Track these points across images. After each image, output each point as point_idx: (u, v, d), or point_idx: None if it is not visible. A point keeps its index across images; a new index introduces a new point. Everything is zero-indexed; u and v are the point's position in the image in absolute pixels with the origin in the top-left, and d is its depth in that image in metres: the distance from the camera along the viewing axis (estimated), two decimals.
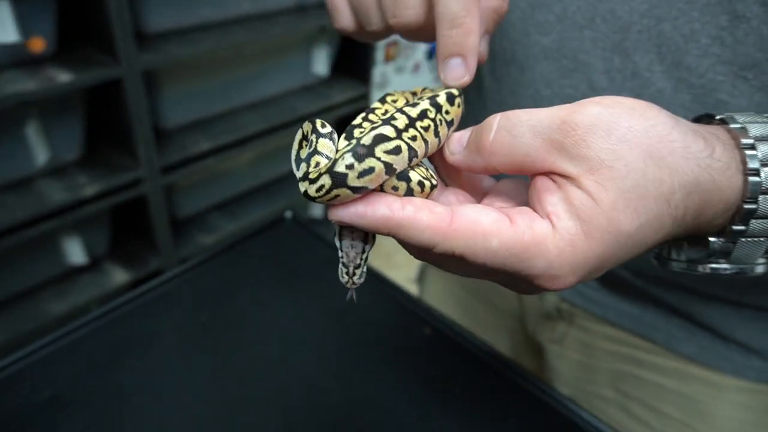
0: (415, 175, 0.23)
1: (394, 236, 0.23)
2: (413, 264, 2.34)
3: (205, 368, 0.45)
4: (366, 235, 0.25)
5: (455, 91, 0.28)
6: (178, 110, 1.09)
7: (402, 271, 1.99)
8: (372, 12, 0.30)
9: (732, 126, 0.24)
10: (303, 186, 0.22)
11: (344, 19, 0.32)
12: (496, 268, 0.22)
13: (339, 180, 0.21)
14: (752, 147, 0.23)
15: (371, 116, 0.27)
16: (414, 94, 0.31)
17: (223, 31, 1.06)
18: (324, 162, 0.23)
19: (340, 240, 0.25)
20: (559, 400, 0.45)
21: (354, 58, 1.40)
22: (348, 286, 0.25)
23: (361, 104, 1.42)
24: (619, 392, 0.49)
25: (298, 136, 0.26)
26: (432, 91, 0.29)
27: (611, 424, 0.49)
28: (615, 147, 0.22)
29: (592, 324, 0.49)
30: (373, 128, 0.22)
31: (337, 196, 0.22)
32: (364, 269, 0.25)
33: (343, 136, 0.25)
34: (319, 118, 0.25)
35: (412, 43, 1.85)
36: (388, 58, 1.82)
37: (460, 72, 0.27)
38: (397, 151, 0.22)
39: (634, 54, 0.34)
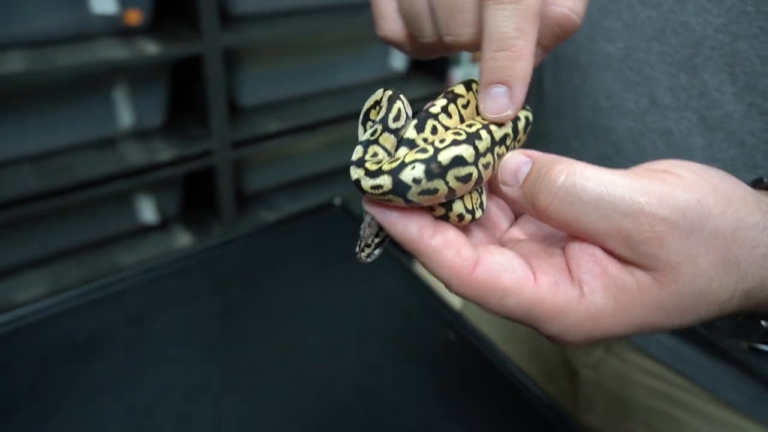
0: (458, 206, 0.22)
1: (414, 257, 0.22)
2: None
3: (228, 332, 0.48)
4: (376, 226, 0.24)
5: (531, 116, 0.25)
6: (254, 90, 1.14)
7: None
8: (425, 22, 0.26)
9: None
10: (356, 173, 0.21)
11: (391, 25, 0.28)
12: (511, 319, 0.21)
13: (400, 189, 0.20)
14: None
15: (451, 108, 0.24)
16: None
17: (305, 18, 1.10)
18: (382, 155, 0.21)
19: (364, 213, 0.24)
20: (574, 426, 0.43)
21: None
22: (357, 257, 0.25)
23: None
24: (651, 430, 0.46)
25: (371, 101, 0.24)
26: None
27: None
28: (691, 251, 0.19)
29: (630, 354, 0.46)
30: (454, 142, 0.21)
31: (389, 200, 0.20)
32: (375, 252, 0.25)
33: (414, 122, 0.22)
34: (399, 97, 0.23)
35: None
36: (476, 60, 1.79)
37: (503, 104, 0.23)
38: (467, 178, 0.21)
39: (704, 72, 0.32)
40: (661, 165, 0.21)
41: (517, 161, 0.23)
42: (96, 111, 0.96)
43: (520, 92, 0.23)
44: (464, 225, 0.22)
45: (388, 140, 0.22)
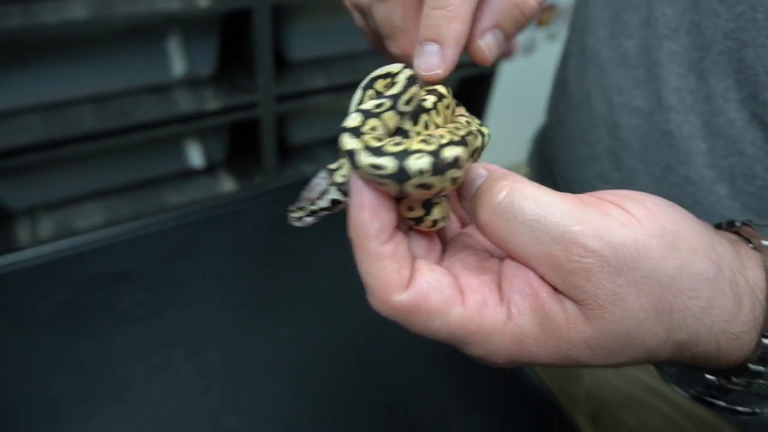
0: (437, 212, 0.21)
1: (351, 239, 0.21)
2: None
3: (246, 279, 0.51)
4: (323, 193, 0.23)
5: (486, 129, 0.24)
6: (302, 45, 1.16)
7: None
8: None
9: (764, 242, 0.21)
10: (352, 143, 0.19)
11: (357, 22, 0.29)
12: (436, 339, 0.21)
13: (400, 175, 0.18)
14: None
15: (440, 106, 0.23)
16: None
17: None
18: (381, 133, 0.20)
19: (315, 176, 0.24)
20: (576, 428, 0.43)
21: None
22: (287, 216, 0.24)
23: (488, 69, 1.40)
24: (637, 418, 0.47)
25: (383, 70, 0.23)
26: (458, 108, 0.26)
27: None
28: (621, 290, 0.18)
29: None
30: (454, 142, 0.19)
31: (383, 184, 0.19)
32: (307, 219, 0.24)
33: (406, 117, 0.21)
34: (417, 83, 0.22)
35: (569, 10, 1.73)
36: (541, 23, 1.66)
37: (433, 62, 0.23)
38: (456, 181, 0.19)
39: (711, 76, 0.32)
40: (614, 195, 0.20)
41: (475, 173, 0.22)
42: (151, 59, 1.01)
43: (452, 51, 0.23)
44: (429, 231, 0.22)
45: (391, 120, 0.21)
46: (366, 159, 0.18)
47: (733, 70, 0.31)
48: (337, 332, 0.49)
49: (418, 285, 0.20)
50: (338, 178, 0.23)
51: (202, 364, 0.45)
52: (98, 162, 1.10)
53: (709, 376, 0.22)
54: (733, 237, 0.23)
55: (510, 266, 0.21)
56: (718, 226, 0.24)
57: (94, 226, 1.11)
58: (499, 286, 0.21)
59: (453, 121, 0.23)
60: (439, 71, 0.23)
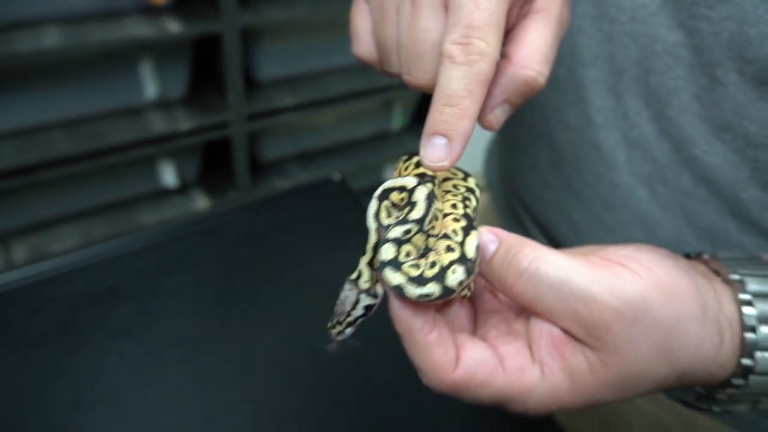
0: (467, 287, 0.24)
1: (399, 334, 0.23)
2: None
3: (231, 291, 0.53)
4: (356, 303, 0.25)
5: (472, 181, 0.27)
6: (271, 65, 1.20)
7: None
8: (392, 55, 0.27)
9: (731, 277, 0.25)
10: (396, 278, 0.22)
11: (364, 47, 0.30)
12: (481, 403, 0.24)
13: (446, 293, 0.21)
14: (749, 303, 0.24)
15: (437, 191, 0.25)
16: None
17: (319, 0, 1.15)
18: (414, 255, 0.23)
19: (341, 289, 0.25)
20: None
21: None
22: (328, 333, 0.26)
23: None
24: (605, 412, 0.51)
25: (397, 183, 0.25)
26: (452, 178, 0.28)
27: None
28: (634, 339, 0.22)
29: None
30: (466, 231, 0.23)
31: (434, 301, 0.22)
32: (346, 331, 0.25)
33: (420, 215, 0.23)
34: (435, 194, 0.24)
35: None
36: None
37: (440, 154, 0.24)
38: (477, 263, 0.23)
39: (626, 97, 0.36)
40: (618, 255, 0.24)
41: (486, 239, 0.24)
42: (123, 83, 1.04)
43: (459, 146, 0.24)
44: (461, 299, 0.25)
45: (420, 240, 0.23)
46: (414, 291, 0.21)
47: (642, 92, 0.35)
48: (322, 335, 0.52)
49: (466, 363, 0.23)
50: (364, 285, 0.25)
51: (194, 370, 0.47)
52: (72, 185, 1.11)
53: (699, 389, 0.26)
54: (706, 271, 0.26)
55: (536, 326, 0.24)
56: (687, 256, 0.28)
57: (68, 249, 1.12)
58: (530, 348, 0.24)
59: (444, 193, 0.26)
60: (445, 163, 0.24)
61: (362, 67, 1.46)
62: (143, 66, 1.03)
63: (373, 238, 0.24)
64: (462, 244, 0.23)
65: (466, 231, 0.23)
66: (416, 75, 0.26)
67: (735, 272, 0.25)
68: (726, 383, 0.24)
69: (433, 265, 0.22)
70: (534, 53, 0.25)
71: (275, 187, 1.36)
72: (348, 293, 0.25)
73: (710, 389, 0.26)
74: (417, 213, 0.23)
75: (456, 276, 0.22)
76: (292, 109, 1.23)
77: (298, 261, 0.59)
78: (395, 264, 0.22)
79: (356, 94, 1.31)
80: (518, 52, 0.25)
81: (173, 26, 0.97)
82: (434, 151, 0.24)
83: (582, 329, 0.22)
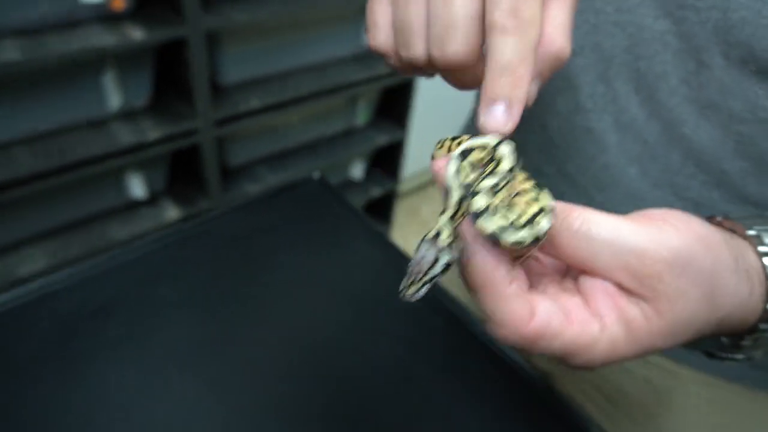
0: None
1: (475, 291, 0.24)
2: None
3: (221, 296, 0.53)
4: (435, 261, 0.25)
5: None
6: (235, 69, 1.19)
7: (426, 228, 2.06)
8: (416, 36, 0.27)
9: (748, 233, 0.27)
10: (492, 224, 0.22)
11: (383, 38, 0.29)
12: (544, 354, 0.25)
13: (537, 242, 0.23)
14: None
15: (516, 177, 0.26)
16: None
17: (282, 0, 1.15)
18: (504, 207, 0.23)
19: (416, 250, 0.25)
20: (532, 374, 0.50)
21: None
22: (400, 296, 0.26)
23: (406, 78, 1.48)
24: (594, 372, 0.54)
25: (477, 142, 0.26)
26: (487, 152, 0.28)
27: (584, 399, 0.54)
28: (683, 286, 0.23)
29: None
30: (541, 192, 0.24)
31: (514, 250, 0.23)
32: (422, 290, 0.25)
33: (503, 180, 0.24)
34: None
35: None
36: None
37: (502, 119, 0.26)
38: None
39: (615, 82, 0.39)
40: (657, 214, 0.25)
41: None
42: (86, 94, 1.00)
43: (518, 110, 0.26)
44: (523, 262, 0.25)
45: (504, 194, 0.24)
46: (509, 238, 0.22)
47: (631, 77, 0.38)
48: (319, 330, 0.52)
49: (540, 315, 0.24)
50: (443, 242, 0.25)
51: (200, 379, 0.46)
52: (37, 204, 1.07)
53: (724, 339, 0.28)
54: (724, 230, 0.28)
55: (588, 283, 0.25)
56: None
57: (38, 271, 1.08)
58: (587, 303, 0.25)
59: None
60: (509, 126, 0.26)
61: (325, 65, 1.46)
62: (106, 76, 1.00)
63: (455, 195, 0.25)
64: (537, 199, 0.24)
65: (537, 188, 0.24)
66: (450, 49, 0.26)
67: (751, 228, 0.27)
68: (753, 329, 0.27)
69: (519, 215, 0.23)
70: (559, 28, 0.26)
71: (246, 191, 1.35)
72: (425, 253, 0.25)
73: (736, 337, 0.28)
74: (505, 166, 0.25)
75: (542, 226, 0.23)
76: (259, 111, 1.22)
77: (288, 261, 0.59)
78: (487, 213, 0.23)
79: (321, 93, 1.32)
80: (545, 28, 0.26)
81: (136, 33, 0.95)
82: (496, 118, 0.26)
83: (635, 281, 0.24)
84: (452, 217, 0.25)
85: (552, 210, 0.24)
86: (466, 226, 0.24)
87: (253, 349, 0.50)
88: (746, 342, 0.28)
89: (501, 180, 0.24)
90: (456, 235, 0.25)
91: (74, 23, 0.93)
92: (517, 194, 0.25)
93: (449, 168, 0.25)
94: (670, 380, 0.49)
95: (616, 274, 0.24)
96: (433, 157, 0.30)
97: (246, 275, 0.57)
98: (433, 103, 1.83)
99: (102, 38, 0.92)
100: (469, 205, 0.24)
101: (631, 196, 0.41)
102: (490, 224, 0.23)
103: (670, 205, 0.39)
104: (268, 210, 0.66)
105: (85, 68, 0.97)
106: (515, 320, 0.24)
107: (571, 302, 0.25)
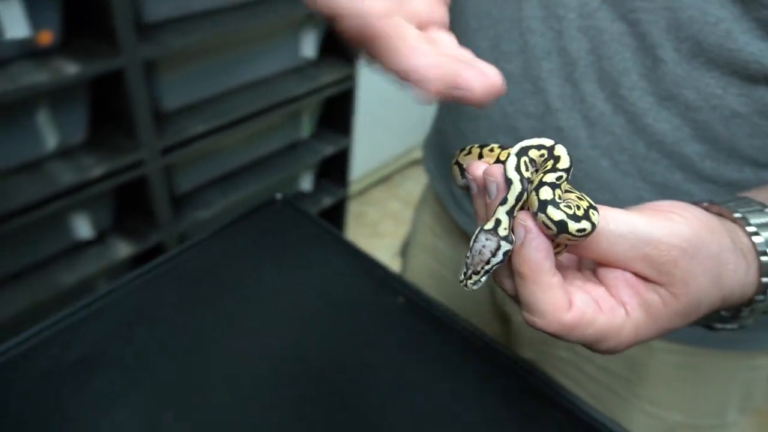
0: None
1: (521, 275, 0.26)
2: (398, 234, 2.40)
3: (202, 330, 0.53)
4: (497, 250, 0.26)
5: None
6: (175, 94, 1.16)
7: (386, 239, 2.09)
8: None
9: (735, 215, 0.30)
10: (559, 215, 0.24)
11: None
12: (574, 342, 0.26)
13: (592, 231, 0.25)
14: (756, 233, 0.29)
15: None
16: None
17: (216, 18, 1.12)
18: (564, 199, 0.25)
19: (474, 241, 0.27)
20: (516, 361, 0.53)
21: (340, 40, 1.46)
22: (461, 286, 0.27)
23: (347, 85, 1.48)
24: (574, 353, 0.57)
25: (535, 142, 0.27)
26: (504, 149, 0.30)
27: (567, 381, 0.57)
28: (695, 270, 0.26)
29: None
30: (582, 192, 0.27)
31: (571, 240, 0.25)
32: (482, 279, 0.27)
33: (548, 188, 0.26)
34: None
35: None
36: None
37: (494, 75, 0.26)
38: None
39: (582, 83, 0.41)
40: (664, 206, 0.28)
41: None
42: (20, 136, 0.94)
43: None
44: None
45: (565, 186, 0.27)
46: (573, 226, 0.24)
47: (596, 77, 0.41)
48: (309, 349, 0.53)
49: (577, 305, 0.26)
50: (503, 232, 0.26)
51: (189, 421, 0.45)
52: None
53: (724, 313, 0.31)
54: (714, 214, 0.31)
55: (609, 274, 0.27)
56: None
57: None
58: (610, 293, 0.27)
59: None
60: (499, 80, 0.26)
61: (266, 81, 1.44)
62: (39, 114, 0.94)
63: (517, 187, 0.26)
64: (581, 198, 0.26)
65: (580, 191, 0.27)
66: None
67: (736, 211, 0.30)
68: (750, 301, 0.30)
69: (578, 208, 0.25)
70: None
71: (198, 218, 1.31)
72: (486, 242, 0.26)
73: (735, 309, 0.31)
74: (564, 163, 0.27)
75: (596, 217, 0.25)
76: (204, 135, 1.19)
77: (265, 286, 0.59)
78: (555, 203, 0.25)
79: (265, 110, 1.30)
80: None
81: (69, 68, 0.90)
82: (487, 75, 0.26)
83: (653, 269, 0.26)
84: (509, 211, 0.26)
85: (596, 207, 0.26)
86: (524, 216, 0.26)
87: (245, 384, 0.49)
88: (744, 313, 0.31)
89: (561, 176, 0.26)
90: (512, 226, 0.26)
91: (1, 62, 0.88)
92: (567, 191, 0.27)
93: (509, 163, 0.27)
94: (645, 351, 0.52)
95: (635, 265, 0.26)
96: (457, 163, 0.32)
97: (225, 306, 0.56)
98: (373, 108, 1.85)
99: (33, 76, 0.87)
100: (531, 197, 0.26)
101: (605, 186, 0.44)
102: (559, 213, 0.25)
103: (638, 189, 0.43)
104: (236, 236, 0.65)
105: (17, 108, 0.91)
106: (556, 310, 0.25)
107: (597, 292, 0.27)
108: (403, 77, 0.25)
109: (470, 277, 0.27)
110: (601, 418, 0.49)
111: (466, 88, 0.24)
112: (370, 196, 2.32)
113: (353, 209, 2.19)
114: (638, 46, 0.38)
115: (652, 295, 0.26)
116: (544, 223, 0.25)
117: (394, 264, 0.65)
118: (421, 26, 0.28)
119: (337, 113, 1.59)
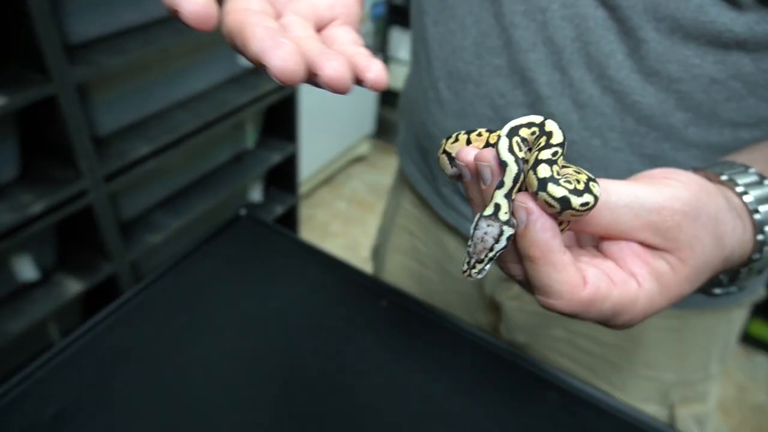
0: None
1: (531, 258, 0.25)
2: (349, 233, 2.40)
3: (194, 362, 0.50)
4: (499, 235, 0.25)
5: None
6: (113, 116, 1.09)
7: (338, 240, 2.07)
8: None
9: (722, 178, 0.31)
10: (561, 191, 0.24)
11: None
12: (591, 320, 0.26)
13: (595, 204, 0.24)
14: (745, 193, 0.30)
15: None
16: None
17: (148, 33, 1.06)
18: (562, 174, 0.25)
19: (475, 229, 0.26)
20: (506, 349, 0.54)
21: None
22: (465, 276, 0.26)
23: (289, 90, 1.45)
24: (567, 330, 0.58)
25: (524, 120, 0.27)
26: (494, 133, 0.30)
27: (563, 359, 0.58)
28: (698, 232, 0.26)
29: None
30: (578, 167, 0.26)
31: (574, 215, 0.24)
32: (486, 267, 0.26)
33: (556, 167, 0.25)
34: None
35: None
36: None
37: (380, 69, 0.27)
38: None
39: (569, 69, 0.42)
40: (659, 173, 0.28)
41: None
42: None
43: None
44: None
45: (562, 161, 0.26)
46: (576, 200, 0.24)
47: (583, 62, 0.42)
48: (300, 361, 0.51)
49: (591, 280, 0.25)
50: (504, 216, 0.25)
51: None
52: None
53: (722, 277, 0.32)
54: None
55: (614, 247, 0.27)
56: None
57: None
58: (619, 265, 0.27)
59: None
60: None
61: (205, 93, 1.39)
62: None
63: (513, 169, 0.25)
64: (579, 171, 0.26)
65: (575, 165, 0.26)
66: None
67: (722, 174, 0.31)
68: (748, 260, 0.31)
69: (578, 182, 0.24)
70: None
71: (149, 243, 1.25)
72: (488, 229, 0.25)
73: (733, 272, 0.32)
74: (557, 138, 0.26)
75: (597, 189, 0.24)
76: (148, 156, 1.13)
77: (244, 307, 0.58)
78: (554, 180, 0.24)
79: (207, 124, 1.25)
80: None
81: None
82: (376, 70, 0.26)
83: (658, 236, 0.26)
84: (507, 194, 0.25)
85: (595, 179, 0.25)
86: (523, 198, 0.25)
87: (245, 411, 0.47)
88: (743, 274, 0.32)
89: (556, 152, 0.25)
90: (512, 209, 0.26)
91: None
92: (564, 166, 0.26)
93: (501, 145, 0.26)
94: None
95: (640, 234, 0.26)
96: (444, 152, 0.32)
97: (207, 335, 0.54)
98: (313, 110, 1.83)
99: None
100: (529, 177, 0.25)
101: (598, 164, 0.45)
102: (560, 190, 0.24)
103: (630, 163, 0.44)
104: (205, 259, 0.63)
105: None
106: (571, 288, 0.25)
107: (606, 266, 0.27)
108: (258, 64, 0.24)
109: (474, 267, 0.26)
110: (592, 391, 0.50)
111: (321, 75, 0.24)
112: (317, 197, 2.30)
113: (302, 213, 2.16)
114: (620, 29, 0.39)
115: (660, 263, 0.26)
116: (545, 201, 0.24)
117: (366, 267, 0.65)
118: (322, 23, 0.29)
119: (280, 120, 1.56)
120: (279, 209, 1.67)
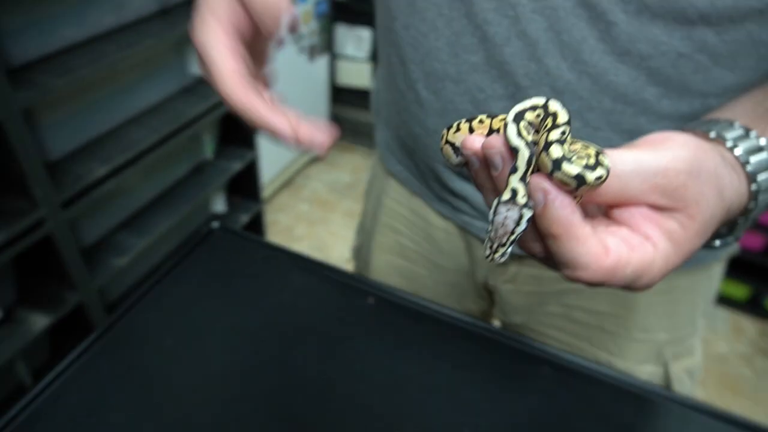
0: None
1: (553, 236, 0.26)
2: (315, 235, 2.39)
3: (186, 384, 0.49)
4: (519, 218, 0.26)
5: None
6: (63, 139, 1.04)
7: (305, 242, 2.06)
8: None
9: (711, 135, 0.32)
10: (575, 169, 0.24)
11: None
12: (613, 286, 0.27)
13: (608, 176, 0.25)
14: (735, 146, 0.32)
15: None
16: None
17: (93, 49, 1.02)
18: (573, 151, 0.25)
19: (494, 215, 0.26)
20: (500, 332, 0.54)
21: None
22: (488, 260, 0.27)
23: None
24: (563, 305, 0.59)
25: (528, 104, 0.27)
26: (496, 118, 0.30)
27: (560, 333, 0.60)
28: (702, 189, 0.27)
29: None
30: (585, 145, 0.26)
31: (591, 188, 0.25)
32: (508, 250, 0.26)
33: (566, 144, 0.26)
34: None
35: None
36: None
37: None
38: None
39: (545, 58, 0.43)
40: (657, 137, 0.29)
41: None
42: None
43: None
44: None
45: (570, 139, 0.27)
46: (591, 175, 0.25)
47: (557, 50, 0.43)
48: (294, 369, 0.51)
49: (613, 248, 0.26)
50: (522, 200, 0.26)
51: None
52: None
53: (722, 229, 0.33)
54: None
55: (625, 213, 0.28)
56: None
57: None
58: (632, 230, 0.28)
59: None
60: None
61: (159, 106, 1.35)
62: None
63: (525, 153, 0.26)
64: (587, 146, 0.26)
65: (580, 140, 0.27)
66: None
67: (710, 131, 0.33)
68: (745, 210, 0.32)
69: (588, 157, 0.25)
70: None
71: (115, 267, 1.21)
72: (507, 213, 0.26)
73: (732, 222, 0.33)
74: (563, 117, 0.26)
75: (607, 161, 0.25)
76: (105, 178, 1.09)
77: (230, 324, 0.56)
78: (567, 159, 0.25)
79: (164, 138, 1.21)
80: None
81: None
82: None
83: (665, 197, 0.27)
84: (522, 177, 0.26)
85: (603, 151, 0.26)
86: (539, 179, 0.26)
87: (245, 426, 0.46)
88: (740, 223, 0.33)
89: (564, 131, 0.26)
90: (528, 192, 0.26)
91: None
92: (572, 142, 0.27)
93: (510, 131, 0.26)
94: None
95: (649, 197, 0.27)
96: (447, 142, 0.32)
97: (195, 358, 0.52)
98: None
99: None
100: (542, 159, 0.25)
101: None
102: (574, 168, 0.24)
103: (610, 140, 0.46)
104: (184, 277, 0.61)
105: None
106: (595, 259, 0.26)
107: (622, 232, 0.28)
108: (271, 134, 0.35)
109: (497, 251, 0.26)
110: (583, 362, 0.52)
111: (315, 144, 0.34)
112: (278, 202, 2.27)
113: (266, 218, 2.14)
114: (590, 15, 0.41)
115: (670, 223, 0.27)
116: (561, 180, 0.25)
117: (342, 267, 0.64)
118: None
119: (237, 128, 1.53)
120: (244, 218, 1.64)
